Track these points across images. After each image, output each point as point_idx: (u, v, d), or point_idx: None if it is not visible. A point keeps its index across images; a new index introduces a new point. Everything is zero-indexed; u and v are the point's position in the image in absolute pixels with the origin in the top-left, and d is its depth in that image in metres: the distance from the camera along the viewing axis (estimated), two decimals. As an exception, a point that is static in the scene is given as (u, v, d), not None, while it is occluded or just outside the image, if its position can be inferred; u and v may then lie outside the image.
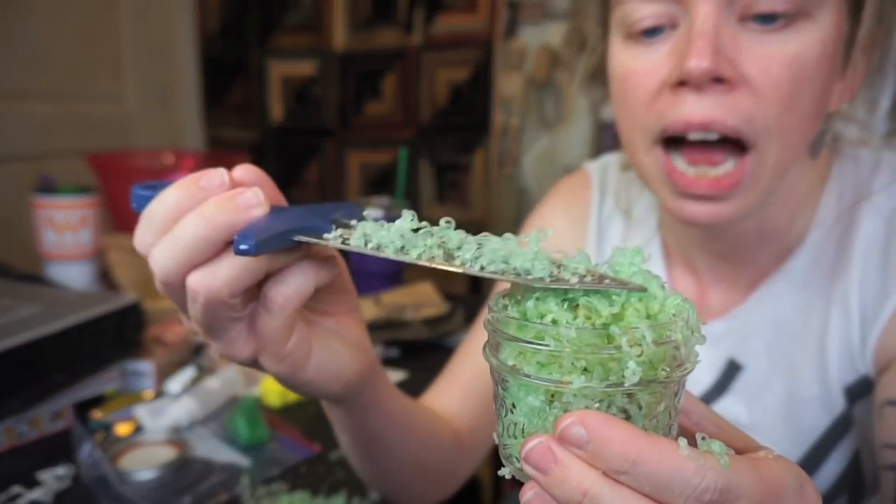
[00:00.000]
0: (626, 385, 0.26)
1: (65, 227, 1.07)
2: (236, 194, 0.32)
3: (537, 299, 0.28)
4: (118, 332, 0.88)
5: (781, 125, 0.48)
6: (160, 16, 2.13)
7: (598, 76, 0.63)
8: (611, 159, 0.74)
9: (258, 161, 2.41)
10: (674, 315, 0.28)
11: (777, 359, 0.59)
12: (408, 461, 0.55)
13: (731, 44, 0.47)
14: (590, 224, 0.71)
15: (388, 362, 1.06)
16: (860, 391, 0.55)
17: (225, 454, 0.76)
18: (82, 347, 0.82)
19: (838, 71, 0.51)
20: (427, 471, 0.59)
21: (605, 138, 1.95)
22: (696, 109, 0.47)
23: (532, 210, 0.78)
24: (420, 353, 1.08)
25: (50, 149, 1.68)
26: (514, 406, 0.28)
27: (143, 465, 0.72)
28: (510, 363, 0.28)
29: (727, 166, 0.49)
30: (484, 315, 0.70)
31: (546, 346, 0.26)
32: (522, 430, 0.28)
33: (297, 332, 0.37)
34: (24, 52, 1.63)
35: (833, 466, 0.57)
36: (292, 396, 0.92)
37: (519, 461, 0.28)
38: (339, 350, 0.41)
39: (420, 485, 0.60)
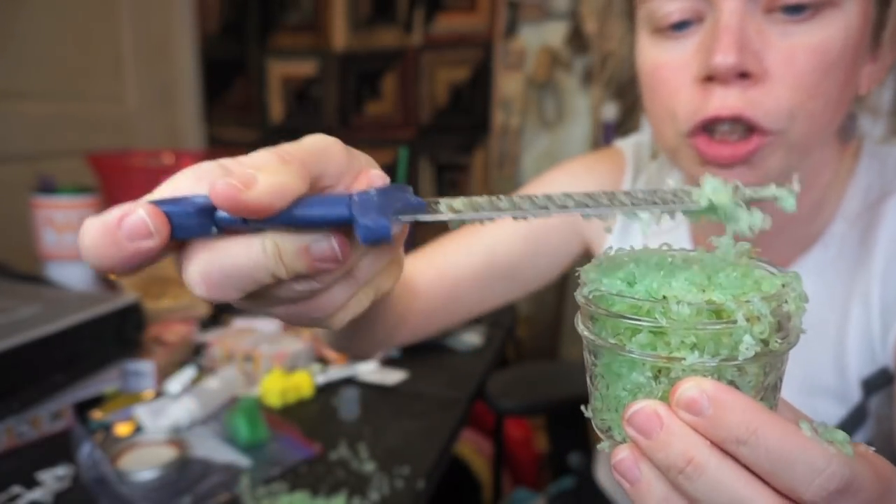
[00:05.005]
0: (739, 360, 0.26)
1: (65, 227, 1.07)
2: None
3: (630, 284, 0.28)
4: (118, 332, 0.88)
5: (805, 111, 0.48)
6: (160, 16, 2.13)
7: (625, 82, 0.64)
8: (644, 139, 0.74)
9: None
10: (783, 285, 0.27)
11: (794, 349, 0.59)
12: (377, 338, 0.59)
13: (757, 37, 0.47)
14: None
15: (389, 362, 1.06)
16: (878, 383, 0.56)
17: (225, 454, 0.76)
18: (82, 347, 0.82)
19: (866, 55, 0.51)
20: (386, 342, 0.64)
21: (605, 138, 1.95)
22: (723, 104, 0.48)
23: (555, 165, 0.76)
24: (420, 353, 1.08)
25: (50, 149, 1.68)
26: (616, 382, 0.28)
27: (143, 465, 0.72)
28: (612, 340, 0.28)
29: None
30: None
31: (659, 323, 0.26)
32: (626, 405, 0.28)
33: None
34: (24, 52, 1.63)
35: None
36: (292, 396, 0.92)
37: (620, 434, 0.28)
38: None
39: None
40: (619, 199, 0.28)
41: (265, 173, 0.25)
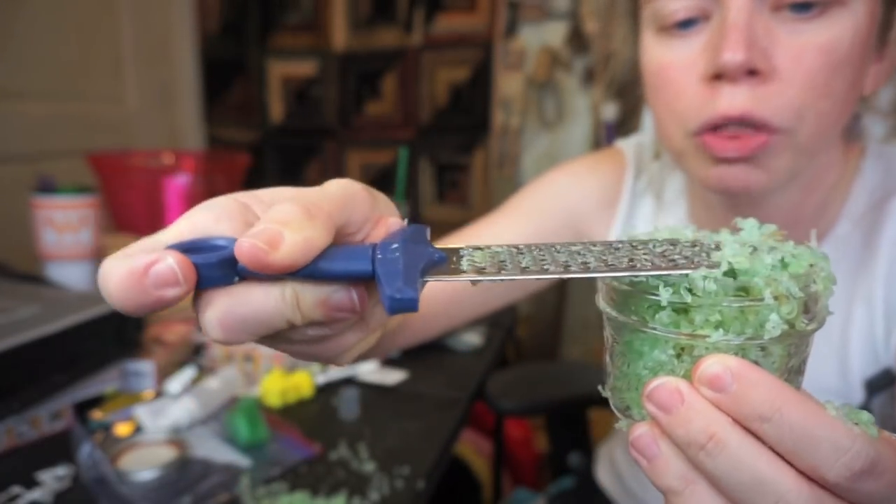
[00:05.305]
0: (764, 339, 0.25)
1: (65, 227, 1.07)
2: None
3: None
4: (118, 332, 0.88)
5: (814, 110, 0.48)
6: (160, 16, 2.13)
7: (627, 82, 0.63)
8: (645, 140, 0.74)
9: (258, 161, 2.41)
10: (811, 265, 0.27)
11: None
12: (377, 345, 0.58)
13: (765, 35, 0.47)
14: (621, 199, 0.71)
15: (389, 362, 1.06)
16: (881, 384, 0.56)
17: (225, 454, 0.76)
18: (82, 347, 0.82)
19: (873, 54, 0.51)
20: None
21: (606, 138, 1.95)
22: (731, 103, 0.48)
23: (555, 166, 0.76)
24: (420, 353, 1.08)
25: (50, 149, 1.68)
26: (637, 360, 0.28)
27: (143, 465, 0.72)
28: (634, 317, 0.27)
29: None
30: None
31: (684, 300, 0.26)
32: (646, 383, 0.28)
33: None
34: (23, 52, 1.63)
35: None
36: (292, 396, 0.92)
37: (639, 413, 0.28)
38: None
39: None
40: (640, 258, 0.28)
41: (291, 230, 0.25)
